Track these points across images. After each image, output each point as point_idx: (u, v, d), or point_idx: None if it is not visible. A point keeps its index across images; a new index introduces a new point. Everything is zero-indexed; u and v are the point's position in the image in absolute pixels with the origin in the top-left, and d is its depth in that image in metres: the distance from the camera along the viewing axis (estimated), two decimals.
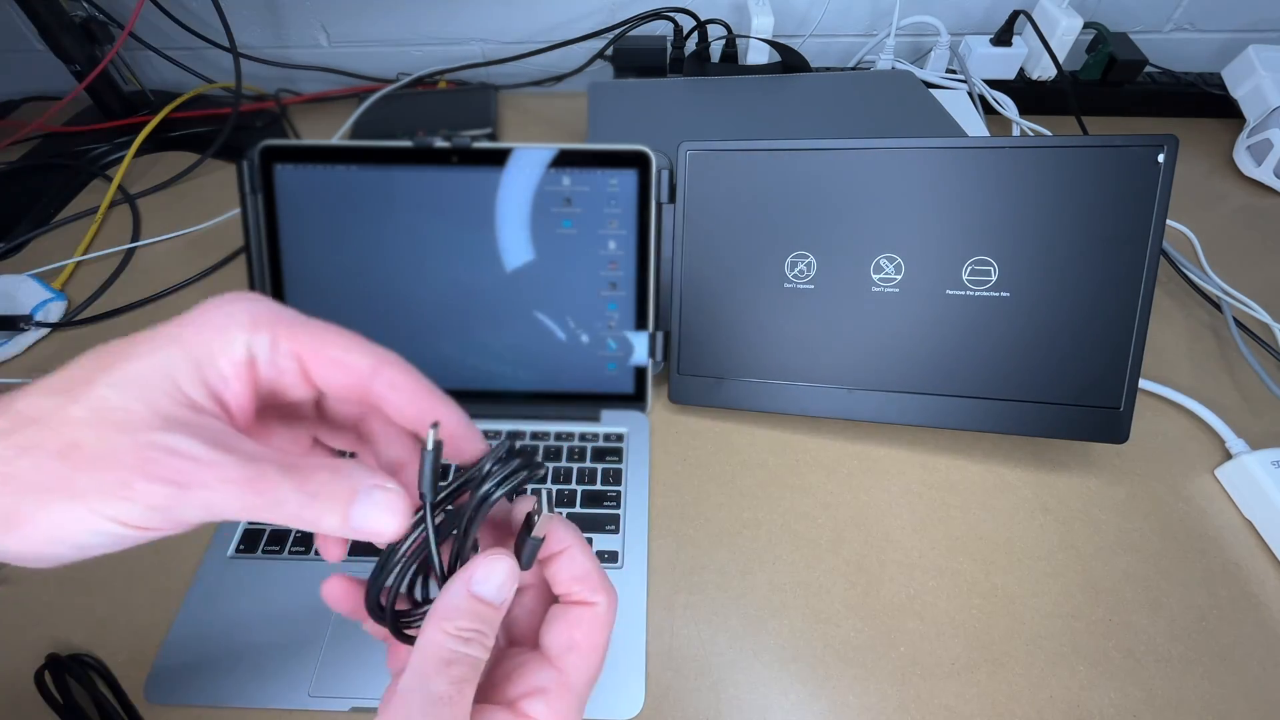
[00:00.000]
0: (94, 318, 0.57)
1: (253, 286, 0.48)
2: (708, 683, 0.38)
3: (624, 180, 0.46)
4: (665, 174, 0.46)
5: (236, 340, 0.19)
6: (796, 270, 0.45)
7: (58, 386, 0.18)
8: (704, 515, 0.45)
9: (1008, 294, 0.42)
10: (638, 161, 0.46)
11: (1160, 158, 0.40)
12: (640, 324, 0.48)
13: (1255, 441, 0.46)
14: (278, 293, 0.48)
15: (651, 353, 0.49)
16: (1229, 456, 0.47)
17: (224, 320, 0.20)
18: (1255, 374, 0.51)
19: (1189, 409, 0.50)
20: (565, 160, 0.46)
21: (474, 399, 0.49)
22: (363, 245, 0.47)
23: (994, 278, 0.42)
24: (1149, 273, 0.41)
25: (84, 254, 0.63)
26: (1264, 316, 0.55)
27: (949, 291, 0.43)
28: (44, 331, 0.56)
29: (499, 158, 0.46)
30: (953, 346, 0.44)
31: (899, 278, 0.44)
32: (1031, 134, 0.71)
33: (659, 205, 0.46)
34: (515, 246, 0.47)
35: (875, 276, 0.44)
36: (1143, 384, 0.50)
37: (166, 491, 0.17)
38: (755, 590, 0.42)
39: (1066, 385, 0.43)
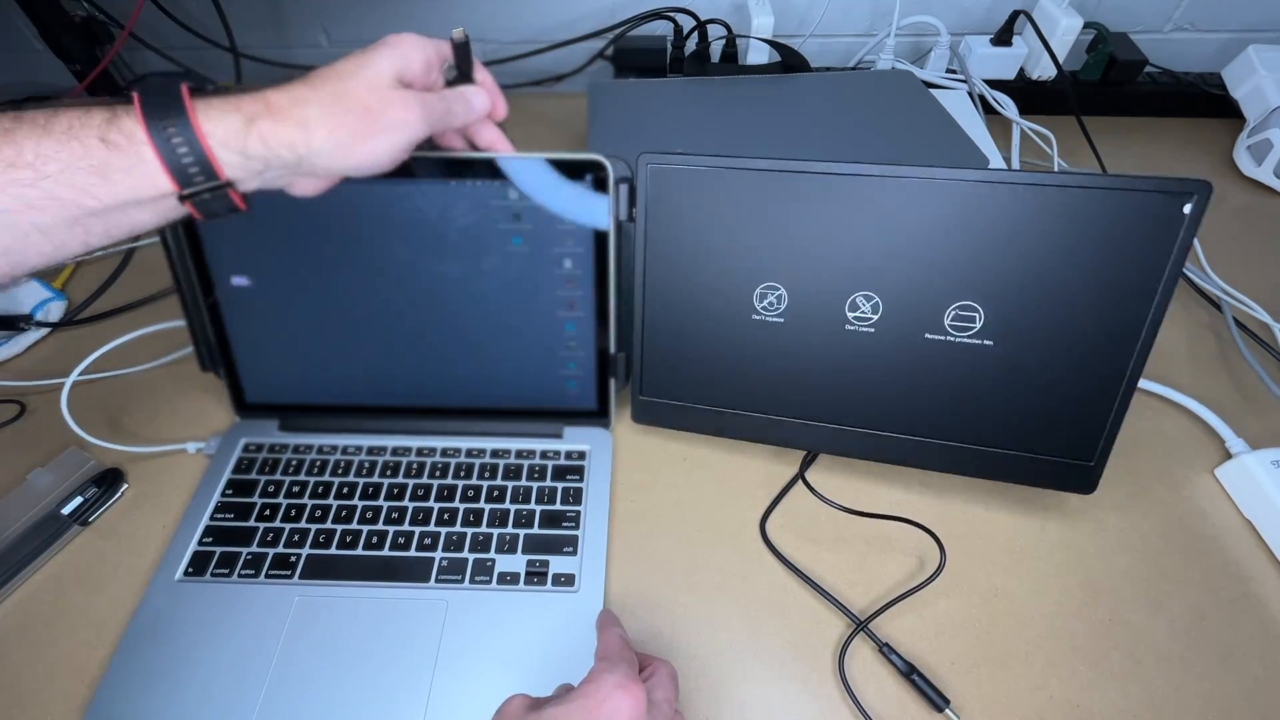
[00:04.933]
0: (94, 317, 0.57)
1: (189, 317, 0.45)
2: (708, 683, 0.38)
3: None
4: (625, 189, 0.42)
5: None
6: (766, 302, 0.42)
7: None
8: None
9: (991, 343, 0.39)
10: (593, 172, 0.41)
11: (1187, 208, 0.35)
12: (601, 344, 0.46)
13: (1255, 441, 0.47)
14: (215, 318, 0.45)
15: (614, 373, 0.47)
16: (1229, 456, 0.47)
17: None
18: (1255, 374, 0.52)
19: (1189, 409, 0.50)
20: (498, 172, 0.40)
21: (430, 415, 0.48)
22: (299, 262, 0.43)
23: (978, 325, 0.39)
24: (1148, 331, 0.38)
25: None
26: (1264, 316, 0.55)
27: (928, 335, 0.40)
28: (44, 331, 0.56)
29: (435, 168, 0.40)
30: (926, 390, 0.42)
31: (875, 318, 0.41)
32: (1032, 132, 0.71)
33: (618, 224, 0.42)
34: (460, 264, 0.43)
35: (850, 315, 0.41)
36: (1143, 384, 0.50)
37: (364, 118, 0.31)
38: (755, 590, 0.42)
39: (1041, 437, 0.41)
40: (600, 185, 0.41)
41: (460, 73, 0.37)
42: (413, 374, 0.47)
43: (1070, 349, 0.39)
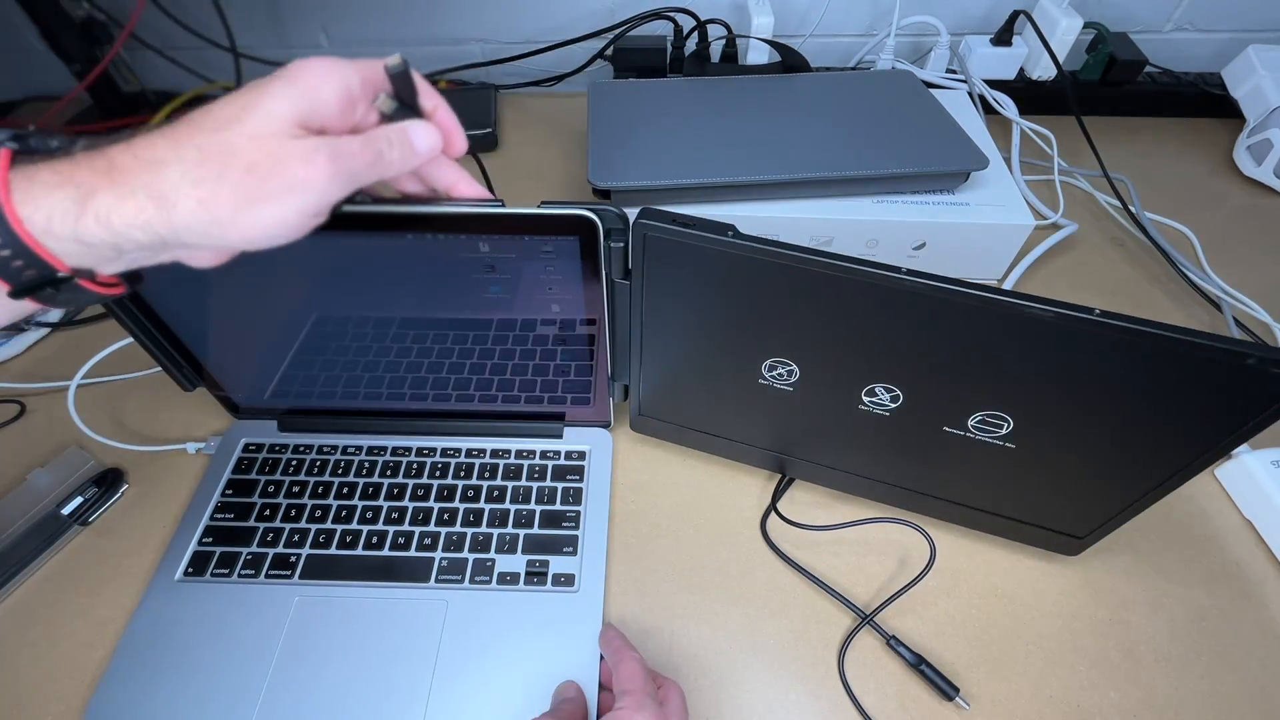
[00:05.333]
0: (94, 317, 0.57)
1: (153, 355, 0.43)
2: (708, 682, 0.38)
3: (561, 247, 0.36)
4: (619, 250, 0.37)
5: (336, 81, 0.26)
6: (775, 373, 0.39)
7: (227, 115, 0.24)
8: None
9: (1014, 446, 0.37)
10: (578, 228, 0.35)
11: None
12: (598, 374, 0.45)
13: (1255, 441, 0.46)
14: (179, 348, 0.43)
15: (611, 393, 0.47)
16: (1229, 456, 0.47)
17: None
18: None
19: None
20: (470, 226, 0.35)
21: (432, 417, 0.48)
22: (267, 297, 0.41)
23: (1004, 430, 0.36)
24: (1188, 473, 0.35)
25: None
26: (1264, 316, 0.55)
27: (946, 429, 0.37)
28: (44, 331, 0.56)
29: (378, 223, 0.35)
30: (931, 464, 0.41)
31: (894, 406, 0.38)
32: (1032, 133, 0.71)
33: (610, 281, 0.38)
34: (438, 306, 0.41)
35: (866, 399, 0.38)
36: None
37: (320, 141, 0.25)
38: (755, 589, 0.42)
39: (1040, 515, 0.41)
40: (589, 243, 0.36)
41: (402, 103, 0.29)
42: (404, 389, 0.46)
43: (1098, 469, 0.36)
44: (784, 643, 0.40)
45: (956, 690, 0.37)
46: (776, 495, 0.46)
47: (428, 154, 0.30)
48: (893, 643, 0.39)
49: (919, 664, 0.38)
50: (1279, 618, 0.41)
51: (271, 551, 0.42)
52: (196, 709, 0.37)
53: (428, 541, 0.43)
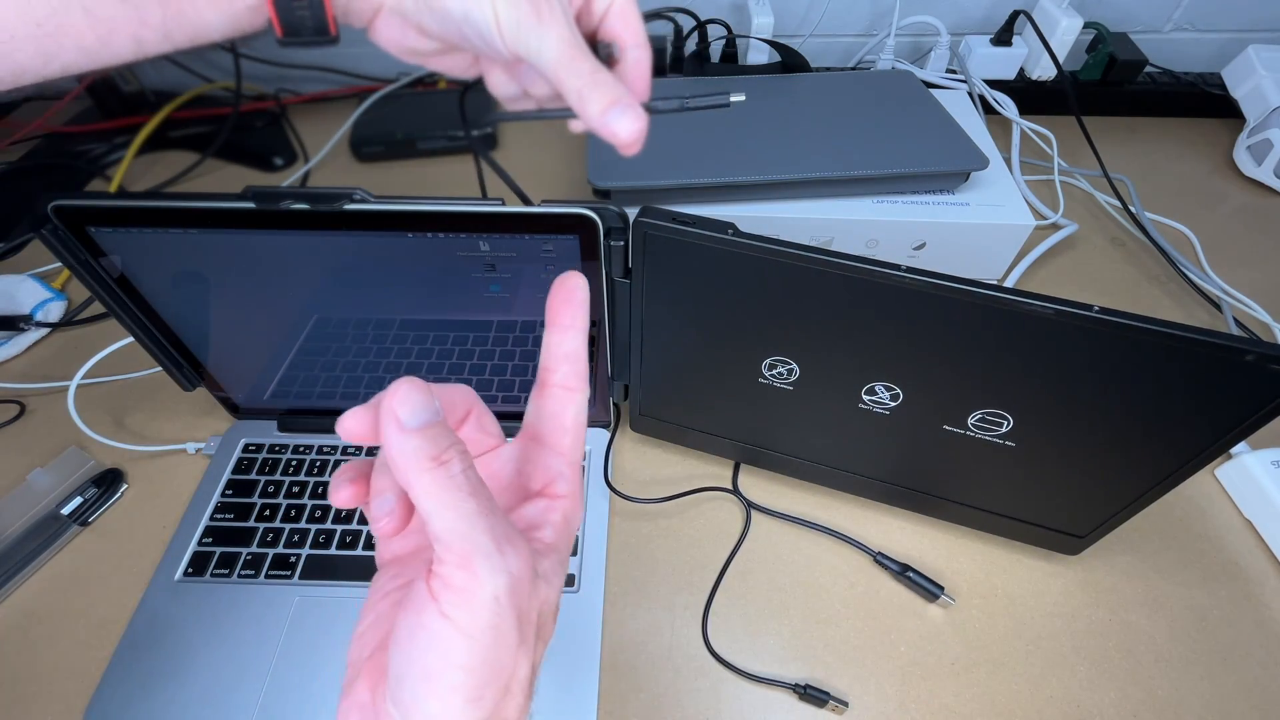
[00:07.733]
0: (94, 317, 0.57)
1: (156, 358, 0.43)
2: (707, 683, 0.38)
3: (561, 246, 0.37)
4: (619, 248, 0.37)
5: None
6: (775, 371, 0.39)
7: None
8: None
9: (1014, 444, 0.37)
10: (579, 227, 0.35)
11: None
12: (598, 373, 0.45)
13: (1255, 441, 0.46)
14: (178, 349, 0.43)
15: (611, 393, 0.47)
16: (1229, 456, 0.47)
17: None
18: None
19: None
20: (470, 225, 0.35)
21: None
22: (268, 300, 0.40)
23: (1004, 429, 0.36)
24: (1187, 470, 0.34)
25: None
26: (1264, 316, 0.55)
27: (946, 427, 0.37)
28: (44, 331, 0.56)
29: (391, 222, 0.35)
30: (930, 461, 0.40)
31: (893, 405, 0.38)
32: (1032, 133, 0.71)
33: (610, 281, 0.39)
34: (441, 303, 0.41)
35: (866, 397, 0.38)
36: None
37: (529, 8, 0.24)
38: (756, 589, 0.42)
39: (1040, 513, 0.41)
40: (590, 242, 0.36)
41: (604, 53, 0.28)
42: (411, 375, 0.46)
43: (1099, 466, 0.36)
44: (783, 641, 0.40)
45: (941, 589, 0.41)
46: (736, 473, 0.46)
47: (617, 137, 0.26)
48: (880, 558, 0.42)
49: (904, 571, 0.41)
50: (1279, 618, 0.41)
51: (271, 552, 0.42)
52: (196, 709, 0.37)
53: None
